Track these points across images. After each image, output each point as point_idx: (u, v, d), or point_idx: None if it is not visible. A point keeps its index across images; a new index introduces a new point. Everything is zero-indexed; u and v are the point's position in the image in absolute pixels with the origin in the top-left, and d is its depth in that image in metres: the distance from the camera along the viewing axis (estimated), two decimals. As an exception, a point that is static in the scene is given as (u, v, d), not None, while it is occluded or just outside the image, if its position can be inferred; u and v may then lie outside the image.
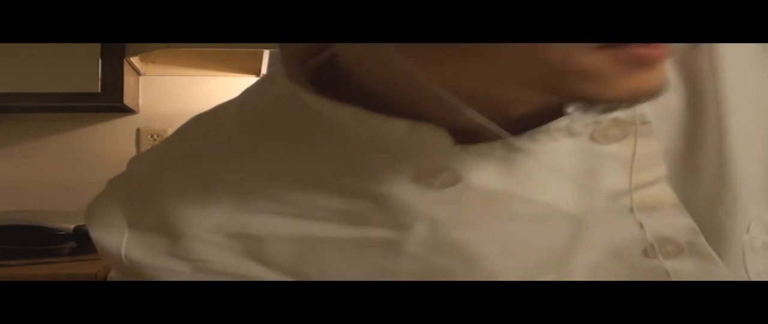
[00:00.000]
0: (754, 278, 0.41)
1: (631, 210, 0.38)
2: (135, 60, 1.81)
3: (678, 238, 0.39)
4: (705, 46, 0.39)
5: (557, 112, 0.34)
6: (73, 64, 1.68)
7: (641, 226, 0.38)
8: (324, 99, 0.35)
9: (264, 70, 1.88)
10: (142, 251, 0.40)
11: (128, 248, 0.40)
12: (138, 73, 1.93)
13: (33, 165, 1.94)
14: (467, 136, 0.34)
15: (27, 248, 1.61)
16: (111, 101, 1.71)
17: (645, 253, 0.39)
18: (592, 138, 0.36)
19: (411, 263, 0.37)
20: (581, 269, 0.39)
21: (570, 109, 0.34)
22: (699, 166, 0.39)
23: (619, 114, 0.36)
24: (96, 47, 1.69)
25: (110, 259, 0.42)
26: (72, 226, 1.63)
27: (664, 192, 0.38)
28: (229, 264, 0.39)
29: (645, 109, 0.37)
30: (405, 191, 0.36)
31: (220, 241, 0.39)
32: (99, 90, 1.69)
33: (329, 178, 0.37)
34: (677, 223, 0.39)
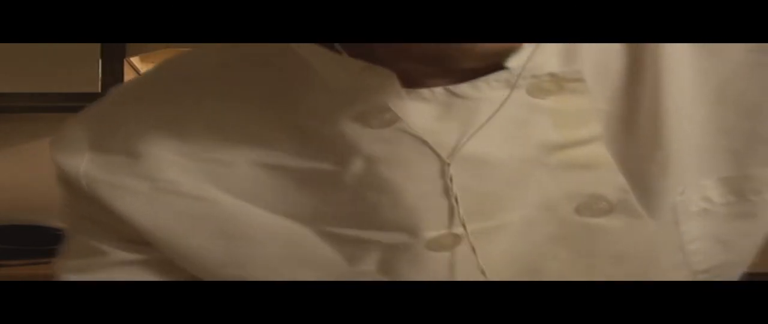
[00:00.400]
0: (687, 242, 0.42)
1: (563, 166, 0.39)
2: (135, 60, 1.81)
3: (609, 196, 0.40)
4: None
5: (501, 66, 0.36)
6: (73, 64, 1.68)
7: (572, 182, 0.39)
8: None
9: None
10: (102, 170, 0.41)
11: (88, 167, 0.42)
12: (138, 73, 1.93)
13: (33, 165, 1.94)
14: (414, 80, 0.36)
15: (27, 248, 1.61)
16: (111, 101, 1.71)
17: (577, 210, 0.40)
18: (529, 91, 0.38)
19: (347, 195, 0.39)
20: (514, 221, 0.40)
21: (509, 63, 0.36)
22: (635, 126, 0.40)
23: (555, 69, 0.38)
24: (96, 47, 1.69)
25: (68, 182, 0.43)
26: (72, 226, 1.63)
27: (598, 150, 0.39)
28: (192, 186, 0.41)
29: (584, 67, 0.38)
30: (348, 129, 0.38)
31: (186, 164, 0.41)
32: (99, 90, 1.69)
33: (288, 114, 0.40)
34: (609, 181, 0.40)
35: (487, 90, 0.37)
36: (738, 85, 0.41)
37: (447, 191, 0.39)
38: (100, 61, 1.70)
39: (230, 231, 0.41)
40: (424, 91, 0.37)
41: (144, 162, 0.41)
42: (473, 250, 0.39)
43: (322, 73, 0.39)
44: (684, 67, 0.40)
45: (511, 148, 0.38)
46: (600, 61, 0.40)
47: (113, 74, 1.71)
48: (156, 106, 0.42)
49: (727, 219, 0.43)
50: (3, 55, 1.67)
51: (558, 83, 0.38)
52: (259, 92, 0.41)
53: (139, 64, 1.88)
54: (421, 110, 0.37)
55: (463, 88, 0.37)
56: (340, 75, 0.38)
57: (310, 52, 0.38)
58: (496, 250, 0.40)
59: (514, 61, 0.36)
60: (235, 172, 0.41)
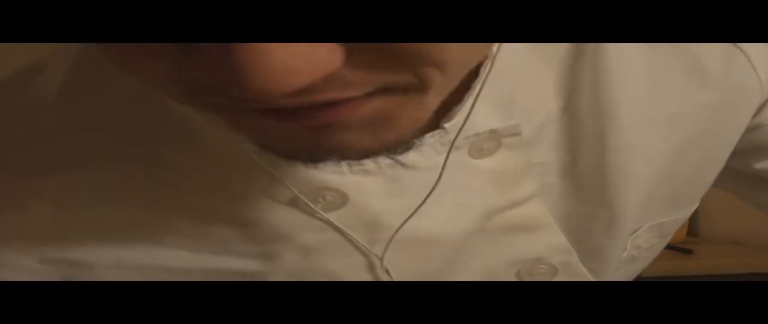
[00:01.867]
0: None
1: (504, 230, 0.36)
2: (135, 60, 1.81)
3: (551, 258, 0.37)
4: (588, 57, 0.35)
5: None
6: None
7: (513, 246, 0.36)
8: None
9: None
10: None
11: None
12: (138, 73, 1.93)
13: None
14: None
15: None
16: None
17: (518, 276, 0.38)
18: (470, 153, 0.33)
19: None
20: None
21: (446, 123, 0.31)
22: (577, 181, 0.37)
23: (495, 124, 0.33)
24: (96, 47, 1.69)
25: None
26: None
27: (537, 210, 0.36)
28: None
29: (522, 119, 0.34)
30: (278, 216, 0.31)
31: (32, 267, 0.32)
32: (99, 90, 1.69)
33: (185, 197, 0.32)
34: (551, 243, 0.37)
35: (432, 155, 0.32)
36: (695, 128, 0.39)
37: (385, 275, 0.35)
38: (99, 61, 1.70)
39: None
40: (369, 163, 0.31)
41: None
42: None
43: (233, 151, 0.30)
44: (634, 114, 0.37)
45: (455, 221, 0.35)
46: (532, 110, 0.35)
47: (113, 74, 1.70)
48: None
49: (641, 261, 0.42)
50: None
51: (497, 140, 0.34)
52: (143, 178, 0.31)
53: (138, 64, 1.88)
54: (368, 187, 0.31)
55: (412, 156, 0.31)
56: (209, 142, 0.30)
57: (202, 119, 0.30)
58: None
59: (452, 120, 0.31)
60: (105, 277, 0.32)
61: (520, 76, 0.34)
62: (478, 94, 0.30)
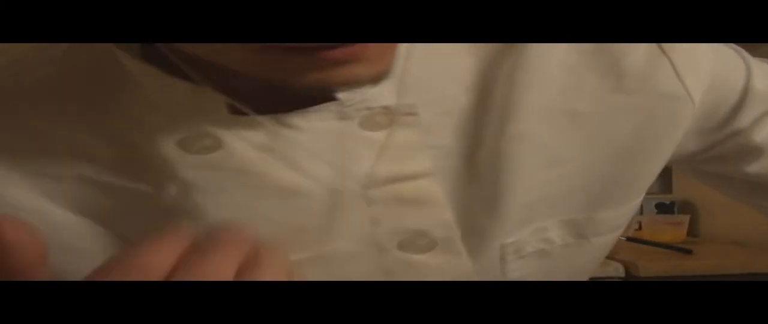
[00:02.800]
0: (514, 278, 0.42)
1: (393, 200, 0.39)
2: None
3: (433, 232, 0.40)
4: (512, 54, 0.39)
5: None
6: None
7: (400, 217, 0.39)
8: (128, 56, 0.36)
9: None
10: None
11: None
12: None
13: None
14: (243, 106, 0.35)
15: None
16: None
17: (400, 246, 0.40)
18: (361, 124, 0.37)
19: (159, 220, 0.38)
20: (337, 253, 0.39)
21: (340, 93, 0.35)
22: (474, 166, 0.40)
23: (389, 102, 0.37)
24: (96, 47, 1.69)
25: None
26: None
27: (428, 186, 0.39)
28: (26, 200, 0.39)
29: (423, 101, 0.38)
30: (167, 151, 0.37)
31: (17, 179, 0.39)
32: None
33: (113, 127, 0.38)
34: (436, 218, 0.39)
35: (316, 120, 0.36)
36: (608, 129, 0.41)
37: (263, 222, 0.38)
38: (100, 61, 1.70)
39: (64, 244, 0.39)
40: (251, 119, 0.35)
41: None
42: None
43: (148, 91, 0.37)
44: (538, 110, 0.40)
45: (333, 180, 0.38)
46: (445, 96, 0.39)
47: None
48: None
49: (562, 258, 0.44)
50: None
51: (391, 117, 0.37)
52: (86, 104, 0.38)
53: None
54: (246, 138, 0.36)
55: (293, 117, 0.36)
56: (166, 95, 0.36)
57: (139, 69, 0.36)
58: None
59: (347, 93, 0.36)
60: (62, 187, 0.39)
61: (442, 64, 0.39)
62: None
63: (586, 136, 0.41)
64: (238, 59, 0.31)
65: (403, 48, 0.38)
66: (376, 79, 0.33)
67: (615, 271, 1.48)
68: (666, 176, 2.06)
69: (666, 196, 2.01)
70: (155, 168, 0.37)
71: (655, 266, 1.48)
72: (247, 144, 0.36)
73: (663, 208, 2.00)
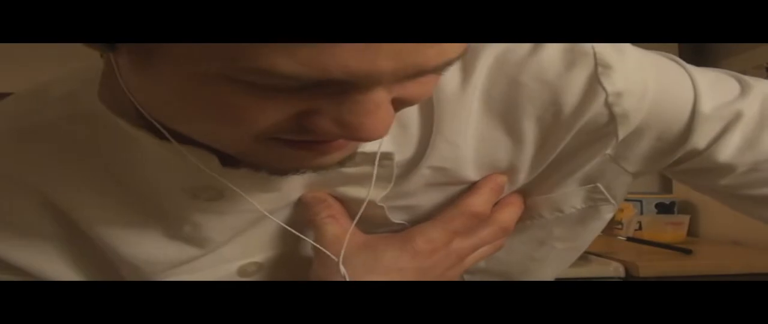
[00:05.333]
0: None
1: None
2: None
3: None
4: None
5: None
6: (73, 64, 1.67)
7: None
8: (130, 125, 0.40)
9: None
10: None
11: None
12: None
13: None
14: (237, 159, 0.40)
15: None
16: (111, 101, 1.71)
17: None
18: (340, 163, 0.42)
19: (175, 247, 0.46)
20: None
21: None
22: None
23: (365, 147, 0.43)
24: (96, 47, 1.69)
25: None
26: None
27: (377, 210, 0.47)
28: (42, 228, 0.45)
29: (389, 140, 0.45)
30: (179, 200, 0.44)
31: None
32: (99, 90, 1.68)
33: (125, 182, 0.44)
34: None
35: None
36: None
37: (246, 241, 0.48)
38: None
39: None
40: (243, 171, 0.41)
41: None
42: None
43: (149, 150, 0.42)
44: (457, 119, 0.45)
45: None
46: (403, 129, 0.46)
47: (113, 74, 1.70)
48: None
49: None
50: (3, 55, 1.67)
51: (366, 157, 0.43)
52: (99, 159, 0.44)
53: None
54: (240, 186, 0.42)
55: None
56: (168, 156, 0.41)
57: (141, 137, 0.40)
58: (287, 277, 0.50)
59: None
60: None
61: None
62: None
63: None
64: (230, 146, 0.36)
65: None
66: (342, 163, 0.40)
67: (615, 271, 1.48)
68: (666, 176, 2.06)
69: (666, 196, 2.01)
70: (168, 212, 0.44)
71: (655, 266, 1.48)
72: (242, 190, 0.42)
73: (663, 208, 2.00)
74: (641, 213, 1.94)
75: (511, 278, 0.55)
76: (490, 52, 0.44)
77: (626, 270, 1.48)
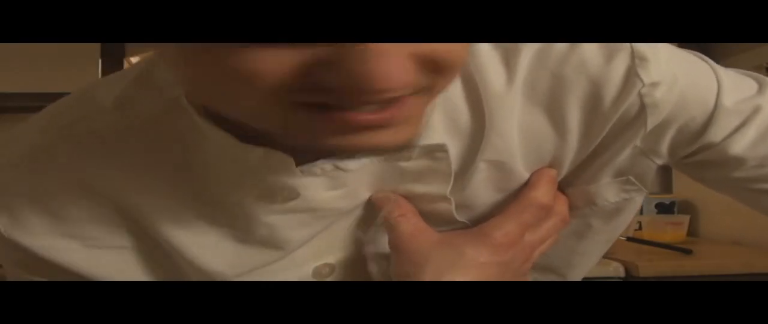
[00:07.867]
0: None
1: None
2: (135, 60, 1.81)
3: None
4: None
5: None
6: (73, 64, 1.68)
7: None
8: (207, 122, 0.40)
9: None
10: (24, 232, 0.44)
11: (10, 230, 0.44)
12: (138, 73, 1.93)
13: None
14: (307, 151, 0.40)
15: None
16: (111, 101, 1.71)
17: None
18: (393, 158, 0.43)
19: (251, 251, 0.46)
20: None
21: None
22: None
23: (421, 141, 0.43)
24: (96, 47, 1.69)
25: None
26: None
27: (443, 206, 0.47)
28: (116, 240, 0.45)
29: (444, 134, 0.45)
30: (250, 205, 0.44)
31: (106, 217, 0.44)
32: (99, 90, 1.68)
33: (195, 188, 0.44)
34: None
35: (366, 162, 0.43)
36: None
37: (326, 238, 0.47)
38: (100, 61, 1.70)
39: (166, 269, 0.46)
40: (316, 169, 0.41)
41: (67, 223, 0.44)
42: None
43: (224, 155, 0.42)
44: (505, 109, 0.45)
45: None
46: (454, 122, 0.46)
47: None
48: (66, 173, 0.44)
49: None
50: (3, 55, 1.67)
51: (425, 149, 0.43)
52: (167, 164, 0.44)
53: (139, 64, 1.88)
54: (315, 184, 0.42)
55: (347, 163, 0.42)
56: (242, 159, 0.41)
57: (214, 134, 0.40)
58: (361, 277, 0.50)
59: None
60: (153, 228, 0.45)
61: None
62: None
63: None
64: (259, 116, 0.34)
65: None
66: (400, 147, 0.39)
67: (615, 271, 1.48)
68: (666, 176, 2.06)
69: (666, 196, 2.01)
70: (241, 217, 0.44)
71: (655, 266, 1.48)
72: (317, 188, 0.42)
73: (663, 208, 2.00)
74: (641, 213, 1.94)
75: (555, 272, 0.55)
76: (530, 49, 0.45)
77: (626, 270, 1.48)
